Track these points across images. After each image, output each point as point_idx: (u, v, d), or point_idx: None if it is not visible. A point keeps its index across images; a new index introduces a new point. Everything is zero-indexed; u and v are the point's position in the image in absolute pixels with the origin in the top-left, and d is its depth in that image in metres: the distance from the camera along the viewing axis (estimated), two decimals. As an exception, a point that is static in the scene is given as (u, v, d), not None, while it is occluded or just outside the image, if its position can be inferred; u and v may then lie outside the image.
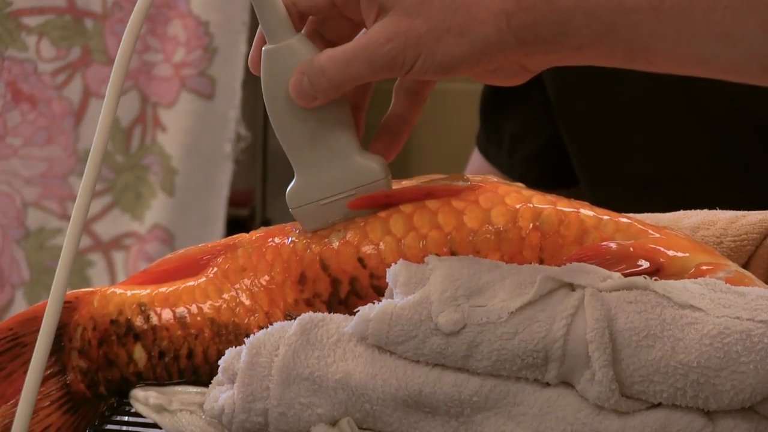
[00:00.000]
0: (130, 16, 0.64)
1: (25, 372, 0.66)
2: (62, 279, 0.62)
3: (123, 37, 0.64)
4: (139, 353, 0.68)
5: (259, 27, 0.67)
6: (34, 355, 0.62)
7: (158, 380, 0.68)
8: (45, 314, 0.62)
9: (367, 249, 0.66)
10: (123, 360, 0.68)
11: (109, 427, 0.70)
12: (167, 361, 0.68)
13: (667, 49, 0.60)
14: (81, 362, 0.69)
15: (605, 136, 1.14)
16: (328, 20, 0.68)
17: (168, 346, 0.68)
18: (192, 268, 0.70)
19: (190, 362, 0.68)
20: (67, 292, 0.69)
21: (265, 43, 0.66)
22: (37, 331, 0.67)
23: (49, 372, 0.68)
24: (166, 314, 0.68)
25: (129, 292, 0.69)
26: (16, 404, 0.66)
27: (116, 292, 0.70)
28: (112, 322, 0.68)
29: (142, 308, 0.68)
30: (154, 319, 0.68)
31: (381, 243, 0.66)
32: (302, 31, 0.67)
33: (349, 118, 0.67)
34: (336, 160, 0.67)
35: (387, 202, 0.68)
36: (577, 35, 0.61)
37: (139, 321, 0.68)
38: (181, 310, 0.68)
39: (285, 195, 0.69)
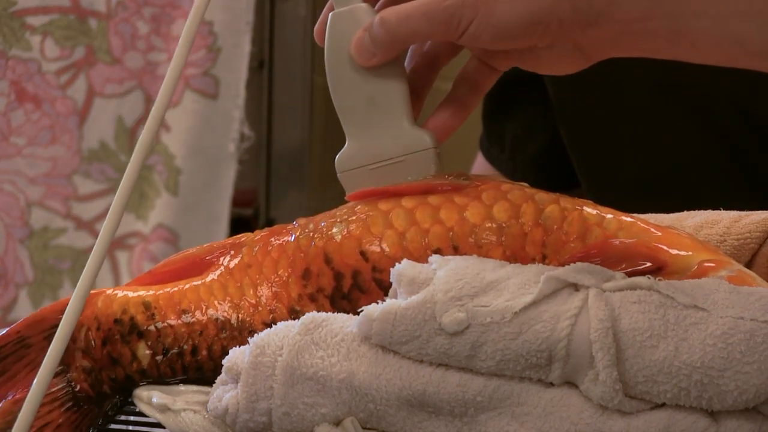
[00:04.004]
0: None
1: (29, 372, 0.66)
2: (86, 284, 0.63)
3: (179, 41, 0.65)
4: (142, 351, 0.68)
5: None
6: (45, 358, 0.62)
7: (162, 378, 0.68)
8: (64, 316, 0.62)
9: (369, 242, 0.67)
10: (127, 358, 0.68)
11: (113, 426, 0.70)
12: (171, 359, 0.68)
13: (706, 28, 0.62)
14: (84, 362, 0.69)
15: (606, 139, 1.15)
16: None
17: (172, 343, 0.68)
18: (197, 268, 0.70)
19: (194, 359, 0.68)
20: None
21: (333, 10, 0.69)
22: (43, 332, 0.67)
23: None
24: (171, 312, 0.68)
25: (133, 293, 0.69)
26: (16, 401, 0.67)
27: (120, 292, 0.70)
28: (116, 321, 0.69)
29: (147, 307, 0.69)
30: (158, 317, 0.68)
31: (383, 236, 0.67)
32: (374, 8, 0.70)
33: (405, 87, 0.69)
34: (388, 127, 0.69)
35: (388, 196, 0.68)
36: (626, 7, 0.63)
37: (143, 319, 0.68)
38: (185, 307, 0.68)
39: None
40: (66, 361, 0.69)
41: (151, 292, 0.69)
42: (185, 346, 0.68)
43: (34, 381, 0.62)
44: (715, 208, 0.75)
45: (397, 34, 0.66)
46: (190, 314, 0.68)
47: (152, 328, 0.68)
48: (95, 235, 1.71)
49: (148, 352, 0.68)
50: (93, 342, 0.69)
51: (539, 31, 0.64)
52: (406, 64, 0.71)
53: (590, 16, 0.63)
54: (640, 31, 0.63)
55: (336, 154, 0.70)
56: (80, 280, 0.63)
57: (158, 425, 0.67)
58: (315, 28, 0.71)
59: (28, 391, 0.63)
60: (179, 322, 0.68)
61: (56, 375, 0.68)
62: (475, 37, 0.65)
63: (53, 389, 0.68)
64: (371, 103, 0.69)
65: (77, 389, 0.69)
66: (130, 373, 0.69)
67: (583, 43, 0.66)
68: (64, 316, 0.63)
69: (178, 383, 0.69)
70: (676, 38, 0.63)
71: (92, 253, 0.63)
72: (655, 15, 0.62)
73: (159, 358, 0.68)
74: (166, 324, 0.68)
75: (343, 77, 0.69)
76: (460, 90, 0.72)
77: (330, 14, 0.69)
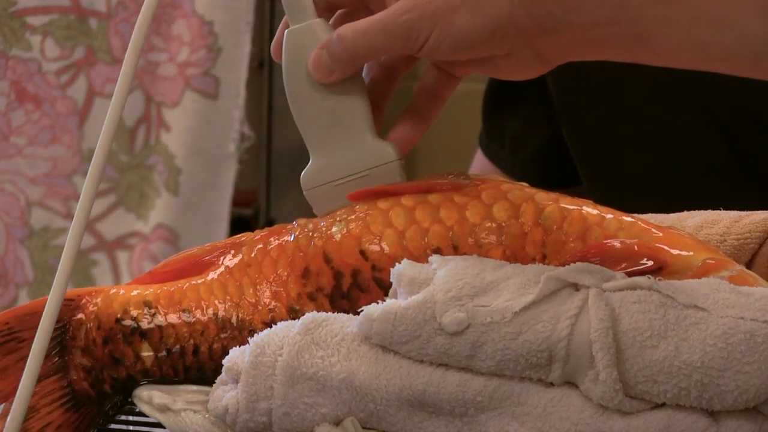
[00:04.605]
0: (137, 16, 0.65)
1: (22, 368, 0.66)
2: (63, 276, 0.62)
3: (131, 38, 0.65)
4: (146, 352, 0.68)
5: (285, 16, 0.69)
6: (31, 352, 0.62)
7: (164, 378, 0.68)
8: (44, 311, 0.62)
9: (369, 241, 0.67)
10: (130, 358, 0.68)
11: (113, 426, 0.70)
12: (174, 359, 0.68)
13: (668, 34, 0.62)
14: (84, 360, 0.69)
15: (607, 136, 1.15)
16: (354, 13, 0.70)
17: (174, 343, 0.68)
18: (197, 268, 0.70)
19: (195, 359, 0.68)
20: (70, 290, 0.69)
21: (288, 27, 0.69)
22: (35, 328, 0.66)
23: (51, 370, 0.68)
24: (172, 311, 0.68)
25: (133, 292, 0.69)
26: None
27: (120, 291, 0.70)
28: (117, 320, 0.68)
29: (148, 306, 0.68)
30: (160, 317, 0.68)
31: (382, 235, 0.67)
32: (329, 22, 0.70)
33: (365, 101, 0.69)
34: (351, 142, 0.69)
35: (387, 195, 0.68)
36: (586, 14, 0.62)
37: (145, 319, 0.68)
38: (186, 307, 0.68)
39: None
40: (65, 360, 0.68)
41: (151, 291, 0.69)
42: (187, 346, 0.68)
43: (21, 382, 0.62)
44: (715, 207, 0.75)
45: (355, 50, 0.66)
46: (191, 314, 0.68)
47: (155, 328, 0.68)
48: (96, 235, 1.71)
49: (151, 352, 0.68)
50: (94, 341, 0.68)
51: (498, 40, 0.64)
52: (363, 75, 0.71)
53: (549, 24, 0.63)
54: (601, 36, 0.63)
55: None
56: (56, 279, 0.63)
57: (158, 425, 0.67)
58: (272, 45, 0.70)
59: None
60: (181, 321, 0.68)
61: (55, 374, 0.68)
62: (434, 49, 0.65)
63: (53, 389, 0.68)
64: (332, 119, 0.69)
65: (77, 388, 0.69)
66: (133, 373, 0.69)
67: (542, 49, 0.66)
68: (42, 316, 0.62)
69: (179, 383, 0.68)
70: (637, 44, 0.63)
71: (64, 252, 0.63)
72: (616, 21, 0.62)
73: (162, 358, 0.68)
74: (168, 324, 0.68)
75: (302, 94, 0.69)
76: (420, 101, 0.71)
77: (285, 31, 0.69)
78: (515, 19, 0.63)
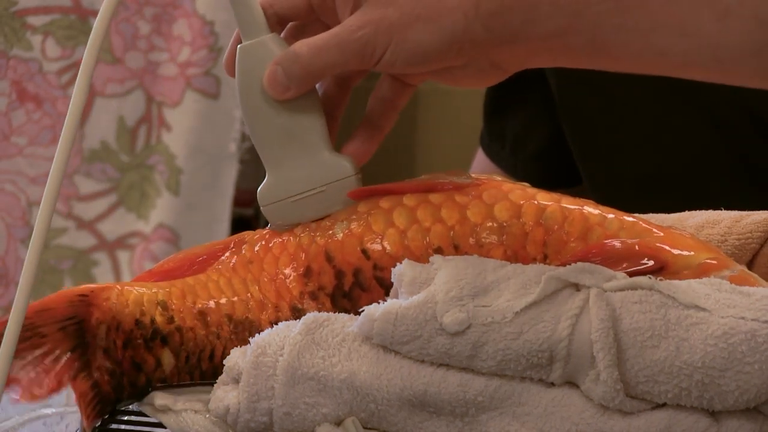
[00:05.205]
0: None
1: (46, 363, 0.65)
2: (27, 283, 0.61)
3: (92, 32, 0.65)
4: (167, 358, 0.67)
5: (237, 29, 0.69)
6: (1, 349, 0.60)
7: (180, 383, 0.67)
8: (10, 316, 0.61)
9: (371, 240, 0.67)
10: (150, 365, 0.67)
11: (114, 426, 0.70)
12: (191, 364, 0.67)
13: (627, 41, 0.62)
14: (107, 363, 0.67)
15: (609, 135, 1.15)
16: (306, 26, 0.70)
17: (194, 347, 0.67)
18: (197, 266, 0.70)
19: (211, 363, 0.67)
20: (83, 286, 0.68)
21: (240, 43, 0.68)
22: (56, 323, 0.65)
23: (75, 370, 0.66)
24: (188, 313, 0.67)
25: (145, 289, 0.68)
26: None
27: (132, 287, 0.68)
28: (137, 322, 0.67)
29: (163, 306, 0.67)
30: (178, 320, 0.67)
31: (384, 235, 0.67)
32: (281, 35, 0.69)
33: (320, 116, 0.69)
34: (307, 157, 0.69)
35: (389, 195, 0.68)
36: (543, 24, 0.62)
37: (163, 321, 0.67)
38: (201, 307, 0.67)
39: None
40: (87, 360, 0.66)
41: (162, 290, 0.68)
42: (204, 350, 0.67)
43: None
44: (716, 207, 0.75)
45: (311, 67, 0.66)
46: (207, 314, 0.67)
47: (174, 332, 0.67)
48: (96, 235, 1.71)
49: (172, 359, 0.67)
50: (114, 343, 0.66)
51: (454, 53, 0.64)
52: (317, 86, 0.70)
53: (505, 35, 0.63)
54: (559, 46, 0.63)
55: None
56: (19, 286, 0.62)
57: (159, 425, 0.67)
58: (224, 60, 0.70)
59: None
60: (198, 323, 0.67)
61: (80, 372, 0.66)
62: (390, 64, 0.65)
63: (84, 391, 0.66)
64: (288, 135, 0.68)
65: (103, 392, 0.67)
66: (152, 380, 0.67)
67: (499, 59, 0.66)
68: (8, 324, 0.61)
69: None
70: (596, 52, 0.63)
71: (27, 256, 0.62)
72: (573, 30, 0.62)
73: (182, 364, 0.67)
74: (187, 327, 0.67)
75: (257, 111, 0.68)
76: (375, 112, 0.71)
77: (238, 47, 0.68)
78: (471, 32, 0.63)
